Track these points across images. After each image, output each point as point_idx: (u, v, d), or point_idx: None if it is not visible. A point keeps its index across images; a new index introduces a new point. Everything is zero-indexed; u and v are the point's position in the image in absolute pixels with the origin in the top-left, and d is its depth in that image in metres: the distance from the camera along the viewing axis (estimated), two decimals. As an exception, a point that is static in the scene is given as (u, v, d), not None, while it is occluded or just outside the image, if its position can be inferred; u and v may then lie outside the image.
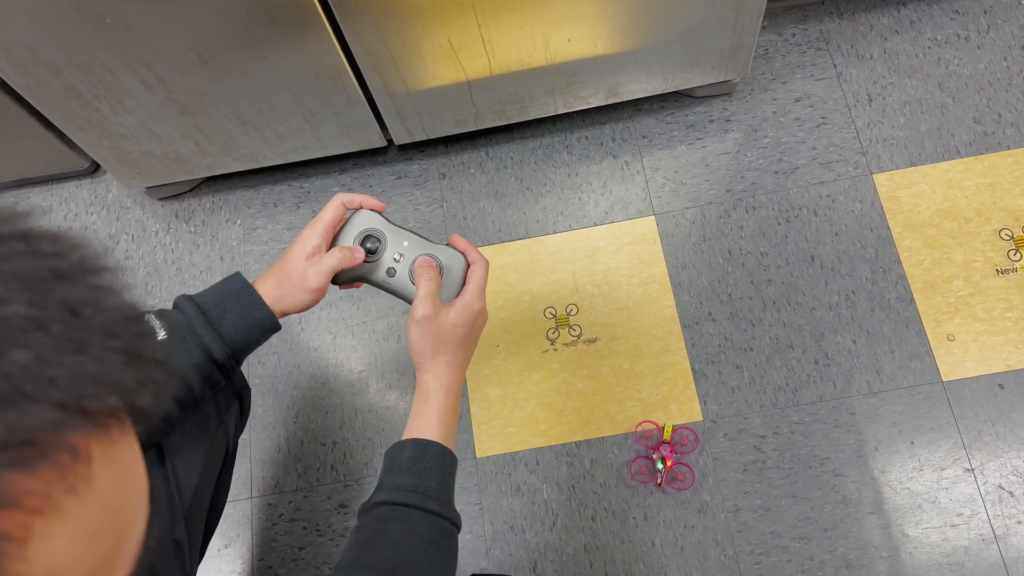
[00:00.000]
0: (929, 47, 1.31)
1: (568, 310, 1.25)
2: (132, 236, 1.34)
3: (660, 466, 1.08)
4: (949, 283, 1.17)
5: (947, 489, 1.09)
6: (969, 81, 1.28)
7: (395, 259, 0.79)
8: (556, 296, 1.26)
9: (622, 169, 1.31)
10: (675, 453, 1.09)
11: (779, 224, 1.24)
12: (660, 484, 1.09)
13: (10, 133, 1.19)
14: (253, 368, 1.24)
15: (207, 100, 1.10)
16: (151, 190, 1.34)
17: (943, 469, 1.10)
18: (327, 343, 1.25)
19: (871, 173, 1.24)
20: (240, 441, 0.89)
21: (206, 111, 1.12)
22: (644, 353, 1.21)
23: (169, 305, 0.81)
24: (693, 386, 1.18)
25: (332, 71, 1.07)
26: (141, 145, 1.16)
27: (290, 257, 0.75)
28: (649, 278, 1.25)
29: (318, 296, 0.75)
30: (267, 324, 0.73)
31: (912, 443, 1.11)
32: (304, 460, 1.19)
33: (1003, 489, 1.08)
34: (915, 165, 1.24)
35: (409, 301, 0.79)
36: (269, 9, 0.95)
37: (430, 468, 0.71)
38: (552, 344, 1.23)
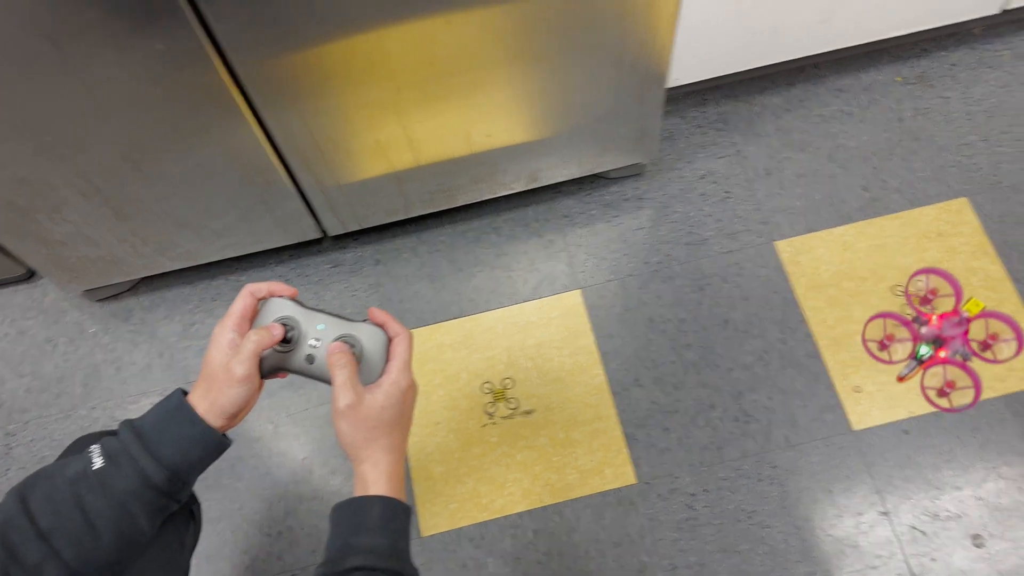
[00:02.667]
0: (817, 123, 1.44)
1: (504, 384, 1.30)
2: (70, 339, 1.36)
3: (925, 350, 0.88)
4: (852, 338, 1.27)
5: (865, 533, 1.16)
6: (855, 152, 1.41)
7: (312, 345, 0.75)
8: (492, 371, 1.31)
9: (547, 247, 1.39)
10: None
11: (693, 292, 1.33)
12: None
13: (-56, 244, 1.21)
14: (196, 462, 1.26)
15: (143, 204, 1.14)
16: (88, 292, 1.36)
17: (860, 514, 1.17)
18: (268, 433, 1.27)
19: (773, 241, 1.35)
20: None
21: (142, 215, 1.16)
22: (578, 421, 1.27)
23: (112, 412, 0.81)
24: (626, 450, 1.24)
25: (264, 170, 1.13)
26: (78, 251, 1.19)
27: (209, 359, 0.72)
28: (579, 349, 1.32)
29: (249, 386, 0.71)
30: (207, 440, 0.70)
31: (830, 491, 1.18)
32: (250, 552, 1.20)
33: (916, 529, 1.16)
34: (812, 231, 1.35)
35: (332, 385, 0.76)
36: (200, 117, 1.01)
37: (401, 527, 0.70)
38: (491, 418, 1.28)
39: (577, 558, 1.17)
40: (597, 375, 1.29)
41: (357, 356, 0.74)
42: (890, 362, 0.67)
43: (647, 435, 1.24)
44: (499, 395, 1.29)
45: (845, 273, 1.31)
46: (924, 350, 0.82)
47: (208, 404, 0.70)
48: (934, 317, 0.76)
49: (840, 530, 1.16)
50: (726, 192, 1.39)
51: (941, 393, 0.72)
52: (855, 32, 1.33)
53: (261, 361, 0.73)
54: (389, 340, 0.76)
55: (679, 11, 1.17)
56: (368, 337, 0.75)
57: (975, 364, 0.68)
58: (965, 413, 1.21)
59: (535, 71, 1.08)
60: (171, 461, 0.68)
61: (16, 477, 1.27)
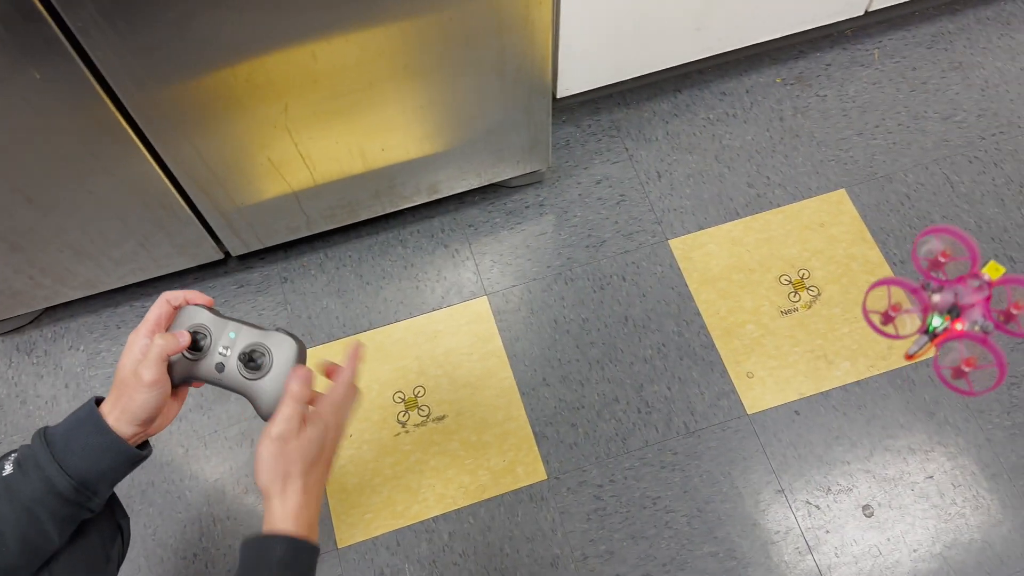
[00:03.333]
0: (704, 126, 1.51)
1: (416, 392, 1.33)
2: (-30, 374, 1.34)
3: (937, 323, 0.68)
4: (743, 327, 1.33)
5: (764, 511, 1.22)
6: (740, 152, 1.48)
7: (221, 353, 0.75)
8: (403, 381, 1.34)
9: (453, 256, 1.43)
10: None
11: (594, 292, 1.38)
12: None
13: None
14: (107, 491, 1.25)
15: (37, 235, 1.14)
16: (-12, 326, 1.35)
17: (758, 493, 1.23)
18: (180, 456, 1.28)
19: (667, 239, 1.41)
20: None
21: (37, 246, 1.15)
22: (489, 423, 1.30)
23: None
24: (536, 448, 1.28)
25: (159, 196, 1.14)
26: (-28, 284, 1.18)
27: (121, 365, 0.72)
28: (487, 353, 1.35)
29: (158, 391, 0.70)
30: (116, 449, 0.69)
31: (729, 473, 1.24)
32: (166, 576, 1.20)
33: (810, 504, 1.22)
34: (703, 228, 1.41)
35: (242, 394, 0.76)
36: (88, 146, 1.02)
37: (304, 570, 0.69)
38: (403, 427, 1.30)
39: (492, 556, 1.20)
40: (506, 377, 1.33)
41: (263, 365, 0.74)
42: (896, 336, 0.58)
43: (555, 432, 1.28)
44: (411, 404, 1.32)
45: (734, 266, 1.38)
46: (937, 322, 0.68)
47: (120, 411, 0.70)
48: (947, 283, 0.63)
49: (740, 509, 1.22)
50: (621, 195, 1.45)
51: (958, 373, 0.60)
52: (731, 38, 1.40)
53: (171, 368, 0.73)
54: (299, 352, 0.76)
55: (556, 26, 1.22)
56: (278, 346, 0.75)
57: (996, 338, 0.56)
58: (851, 391, 1.29)
59: (421, 87, 1.12)
60: (78, 470, 0.68)
61: (-81, 520, 1.24)
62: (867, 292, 0.65)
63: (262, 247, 1.34)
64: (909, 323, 0.65)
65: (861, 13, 1.46)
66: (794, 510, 1.22)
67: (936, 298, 0.64)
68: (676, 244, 1.41)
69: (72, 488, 0.67)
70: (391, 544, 1.22)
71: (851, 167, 1.46)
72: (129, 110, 0.99)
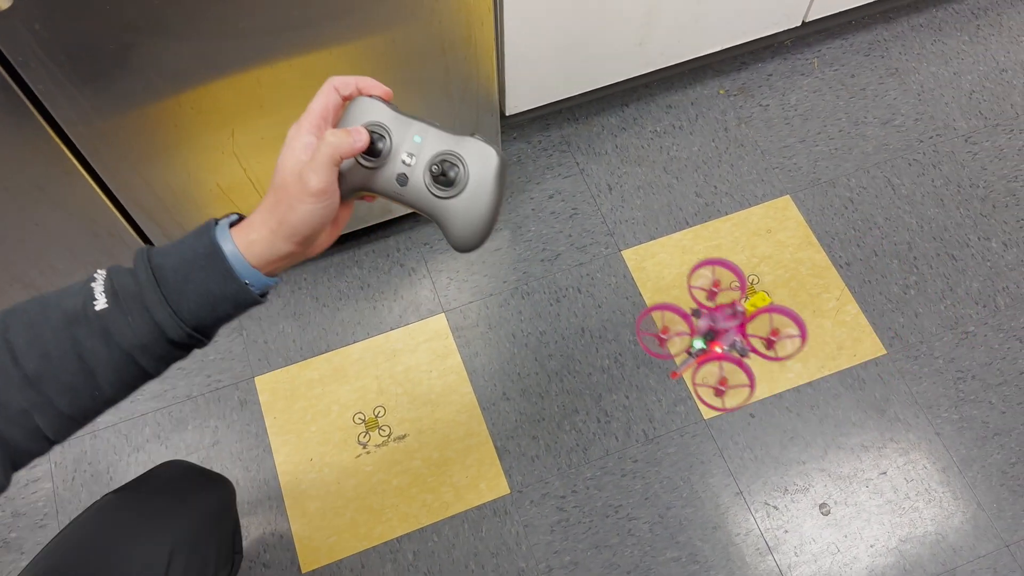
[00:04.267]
0: (651, 138, 1.54)
1: (376, 412, 1.33)
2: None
3: (700, 344, 0.78)
4: (697, 334, 1.36)
5: (724, 514, 1.24)
6: (687, 162, 1.51)
7: (405, 161, 0.60)
8: (363, 401, 1.34)
9: (410, 275, 1.44)
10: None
11: (551, 304, 1.39)
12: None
13: None
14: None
15: (-16, 270, 1.12)
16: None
17: (718, 497, 1.25)
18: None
19: (620, 250, 1.43)
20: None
21: (-15, 281, 1.14)
22: (451, 440, 1.31)
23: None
24: (498, 463, 1.28)
25: (107, 225, 1.13)
26: (-83, 322, 1.16)
27: (281, 166, 0.58)
28: (447, 370, 1.36)
29: (326, 202, 0.57)
30: (240, 299, 0.58)
31: (689, 478, 1.26)
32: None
33: (768, 505, 1.24)
34: (654, 239, 1.44)
35: (428, 215, 0.62)
36: (31, 176, 1.01)
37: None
38: (364, 448, 1.30)
39: (457, 573, 1.20)
40: (466, 393, 1.34)
41: (458, 180, 0.60)
42: (668, 356, 0.64)
43: (517, 445, 1.29)
44: (371, 424, 1.32)
45: (686, 274, 1.40)
46: (697, 344, 0.73)
47: (276, 222, 0.57)
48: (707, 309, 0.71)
49: (701, 514, 1.24)
50: (574, 209, 1.47)
51: (716, 392, 0.68)
52: (673, 52, 1.44)
53: (341, 176, 0.59)
54: (502, 167, 0.61)
55: (501, 44, 1.24)
56: (475, 157, 0.60)
57: (756, 362, 0.63)
58: (804, 392, 1.32)
59: (368, 108, 1.13)
60: (194, 316, 0.57)
61: None
62: (639, 317, 0.67)
63: (216, 273, 1.33)
64: (678, 343, 0.68)
65: (799, 24, 1.50)
66: (753, 512, 1.24)
67: (699, 323, 0.68)
68: (629, 255, 1.43)
69: (186, 335, 0.57)
70: (355, 566, 1.21)
71: (795, 174, 1.50)
72: (74, 141, 0.99)
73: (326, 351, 1.37)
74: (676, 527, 1.23)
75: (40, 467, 1.27)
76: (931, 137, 1.54)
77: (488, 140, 0.61)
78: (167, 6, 0.88)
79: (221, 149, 1.08)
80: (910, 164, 1.51)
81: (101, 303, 0.55)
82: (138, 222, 1.15)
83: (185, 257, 0.57)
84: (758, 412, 1.30)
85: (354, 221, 1.35)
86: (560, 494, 1.25)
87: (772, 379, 1.32)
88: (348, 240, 1.46)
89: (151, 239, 1.19)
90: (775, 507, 1.24)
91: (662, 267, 1.41)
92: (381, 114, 0.60)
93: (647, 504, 1.24)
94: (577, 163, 1.52)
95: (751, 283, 0.85)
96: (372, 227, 1.44)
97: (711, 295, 0.65)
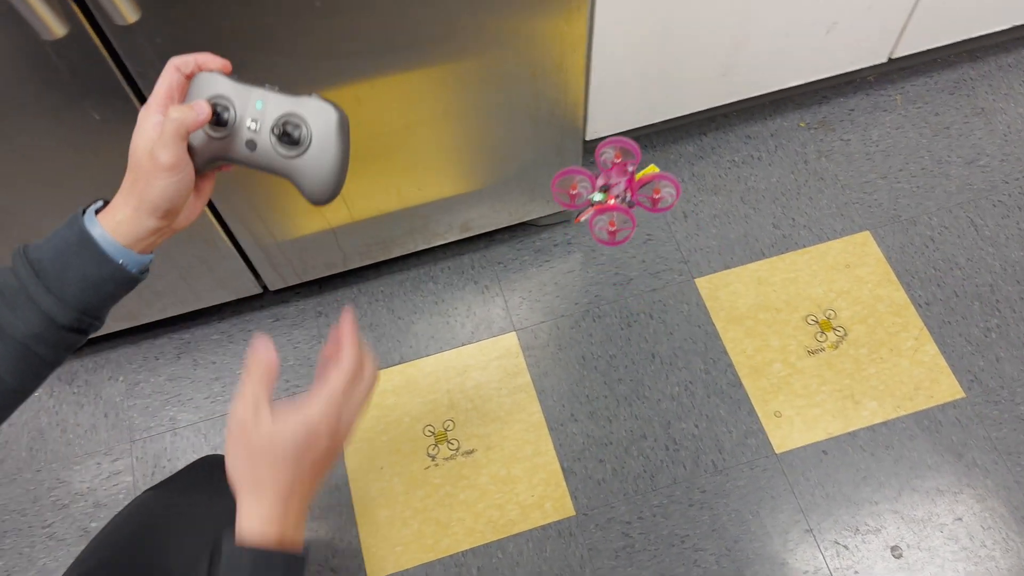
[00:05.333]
0: (729, 168, 1.54)
1: (446, 426, 1.35)
2: (13, 402, 1.37)
3: (599, 197, 0.89)
4: (770, 366, 1.35)
5: (792, 551, 1.22)
6: (765, 193, 1.51)
7: (250, 127, 0.62)
8: (433, 414, 1.36)
9: (483, 292, 1.46)
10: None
11: (622, 329, 1.40)
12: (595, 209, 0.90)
13: None
14: None
15: (85, 267, 1.18)
16: (31, 355, 1.38)
17: (786, 532, 1.23)
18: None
19: (693, 278, 1.43)
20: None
21: (85, 277, 1.19)
22: (518, 458, 1.32)
23: None
24: (564, 484, 1.29)
25: (203, 231, 1.18)
26: (21, 314, 1.22)
27: (134, 148, 0.60)
28: (516, 388, 1.38)
29: (179, 175, 0.59)
30: (118, 278, 0.61)
31: (758, 512, 1.25)
32: None
33: (839, 544, 1.22)
34: (729, 268, 1.43)
35: (281, 175, 0.64)
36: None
37: None
38: (433, 460, 1.32)
39: (520, 592, 1.21)
40: (534, 412, 1.35)
41: (302, 139, 0.62)
42: (573, 207, 0.83)
43: (584, 468, 1.29)
44: (440, 437, 1.34)
45: (761, 305, 1.40)
46: (598, 196, 0.88)
47: (137, 200, 0.60)
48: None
49: (769, 549, 1.22)
50: (648, 234, 1.48)
51: (609, 233, 0.86)
52: (756, 84, 1.44)
53: (193, 150, 0.62)
54: (343, 120, 0.63)
55: (588, 72, 1.27)
56: (315, 115, 0.62)
57: (641, 214, 0.84)
58: (879, 431, 1.29)
59: (458, 128, 1.16)
60: (78, 300, 0.60)
61: (-41, 545, 1.27)
62: (555, 179, 0.85)
63: (299, 282, 1.37)
64: (584, 196, 0.86)
65: (884, 60, 1.49)
66: (822, 550, 1.22)
67: (599, 181, 0.86)
68: (702, 283, 1.43)
69: (75, 319, 0.60)
70: (420, 577, 1.23)
71: (875, 210, 1.49)
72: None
73: (399, 363, 1.40)
74: (743, 561, 1.21)
75: (122, 460, 1.32)
76: (1017, 179, 1.51)
77: (326, 98, 0.63)
78: (281, 25, 0.92)
79: (317, 162, 1.12)
80: (995, 205, 1.48)
81: None
82: (232, 228, 1.19)
83: (59, 248, 0.60)
84: (831, 449, 1.28)
85: (430, 237, 1.38)
86: (626, 519, 1.25)
87: (846, 417, 1.31)
88: (424, 256, 1.49)
89: (242, 245, 1.23)
90: (845, 547, 1.22)
91: (736, 297, 1.41)
92: (222, 86, 0.63)
93: (714, 536, 1.23)
94: (654, 190, 1.52)
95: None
96: (448, 244, 1.47)
97: (614, 166, 0.83)
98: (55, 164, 0.99)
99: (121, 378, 1.39)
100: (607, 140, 0.88)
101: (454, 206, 1.32)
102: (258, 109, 0.62)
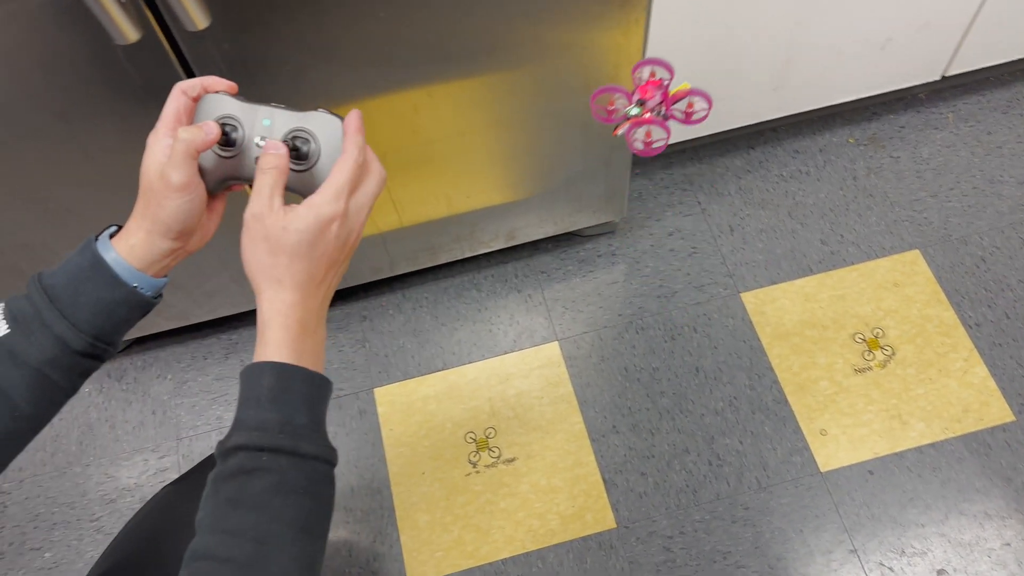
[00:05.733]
0: (777, 182, 1.53)
1: (487, 433, 1.35)
2: (65, 397, 1.40)
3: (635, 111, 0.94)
4: (816, 384, 1.34)
5: (836, 571, 1.20)
6: (813, 209, 1.50)
7: (259, 145, 0.63)
8: (475, 421, 1.36)
9: (526, 301, 1.46)
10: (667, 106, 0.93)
11: (665, 342, 1.39)
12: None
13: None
14: None
15: (141, 267, 1.20)
16: (83, 351, 1.41)
17: (830, 552, 1.22)
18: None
19: (739, 292, 1.42)
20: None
21: (140, 276, 1.22)
22: (559, 468, 1.32)
23: None
24: (605, 495, 1.28)
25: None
26: (77, 311, 1.25)
27: (144, 171, 0.61)
28: (558, 398, 1.38)
29: (191, 195, 0.60)
30: (132, 302, 0.61)
31: (801, 531, 1.23)
32: None
33: (884, 566, 1.21)
34: (775, 283, 1.43)
35: (291, 190, 0.64)
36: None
37: (295, 399, 0.58)
38: (474, 467, 1.33)
39: (560, 602, 1.21)
40: (576, 423, 1.35)
41: (311, 154, 0.63)
42: (611, 120, 0.87)
43: (625, 480, 1.29)
44: (482, 444, 1.34)
45: (808, 322, 1.39)
46: (634, 110, 0.92)
47: (151, 223, 0.60)
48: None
49: (812, 568, 1.21)
50: (693, 247, 1.47)
51: (645, 144, 0.90)
52: (807, 99, 1.43)
53: (203, 171, 0.63)
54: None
55: (642, 82, 1.26)
56: (322, 129, 0.63)
57: (675, 126, 0.89)
58: (926, 453, 1.28)
59: (509, 137, 1.17)
60: (92, 326, 0.60)
61: (11, 535, 1.29)
62: (594, 96, 0.89)
63: (345, 287, 1.39)
64: (621, 111, 0.90)
65: (937, 78, 1.48)
66: (867, 571, 1.20)
67: (635, 97, 0.90)
68: (748, 298, 1.42)
69: (88, 344, 0.60)
70: (459, 584, 1.23)
71: (925, 228, 1.47)
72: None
73: (442, 369, 1.40)
74: (785, 579, 1.20)
75: (169, 458, 1.34)
76: (1072, 199, 1.48)
77: (331, 111, 0.64)
78: (344, 34, 0.93)
79: (371, 169, 1.13)
80: (1048, 226, 1.46)
81: (2, 329, 0.58)
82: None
83: (72, 273, 0.60)
84: (877, 469, 1.27)
85: (476, 245, 1.39)
86: (667, 534, 1.24)
87: (893, 437, 1.29)
88: (468, 264, 1.50)
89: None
90: (890, 568, 1.20)
91: (783, 313, 1.40)
92: (229, 107, 0.64)
93: (757, 553, 1.22)
94: (699, 202, 1.52)
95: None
96: (492, 252, 1.48)
97: (648, 83, 0.87)
98: (119, 166, 1.02)
99: (169, 376, 1.42)
100: (643, 61, 0.92)
101: (501, 214, 1.33)
102: (266, 126, 0.63)
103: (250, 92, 0.69)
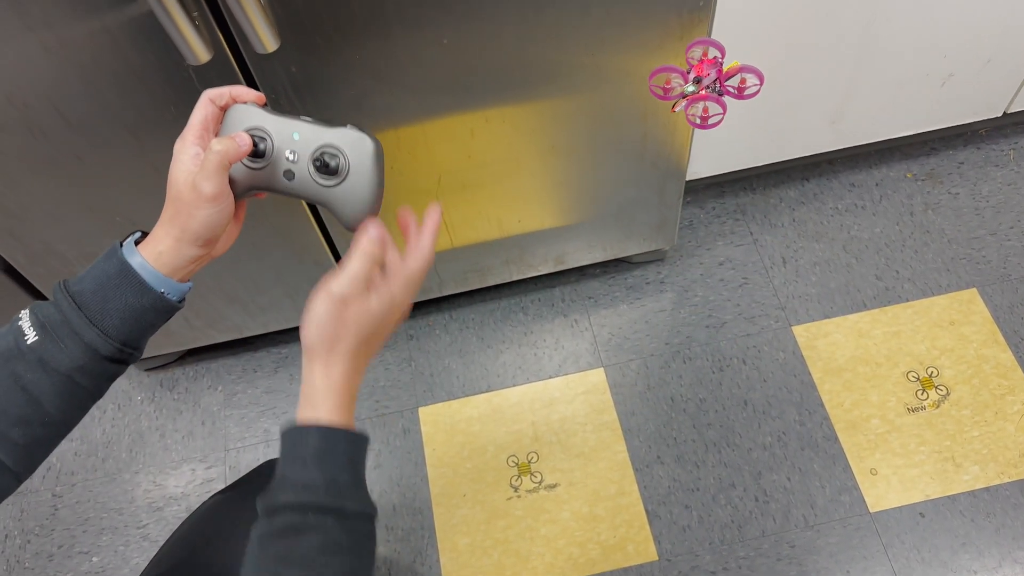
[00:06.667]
0: (832, 215, 1.51)
1: (529, 458, 1.35)
2: (119, 405, 1.43)
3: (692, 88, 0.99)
4: (867, 422, 1.31)
5: (884, 615, 1.17)
6: (869, 243, 1.48)
7: (289, 158, 0.64)
8: (518, 445, 1.36)
9: (572, 326, 1.46)
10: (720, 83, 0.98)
11: (713, 373, 1.38)
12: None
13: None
14: None
15: (198, 280, 1.22)
16: (139, 361, 1.44)
17: (879, 596, 1.19)
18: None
19: (790, 325, 1.40)
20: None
21: (195, 290, 1.24)
22: (601, 496, 1.31)
23: None
24: (647, 527, 1.27)
25: (312, 250, 1.21)
26: (135, 321, 1.28)
27: (173, 179, 0.62)
28: (602, 425, 1.37)
29: (221, 205, 0.61)
30: (159, 307, 0.62)
31: (848, 572, 1.20)
32: None
33: (935, 613, 1.17)
34: (828, 317, 1.40)
35: (319, 203, 0.66)
36: (259, 201, 1.10)
37: (340, 459, 0.60)
38: (516, 491, 1.32)
39: (598, 633, 1.19)
40: (620, 451, 1.34)
41: (340, 169, 0.64)
42: (669, 98, 0.95)
43: (668, 512, 1.27)
44: (524, 469, 1.34)
45: (861, 359, 1.36)
46: (690, 88, 0.96)
47: (179, 231, 0.62)
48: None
49: (859, 612, 1.18)
50: (744, 278, 1.46)
51: (702, 119, 0.91)
52: (864, 132, 1.41)
53: (233, 179, 0.64)
54: (377, 152, 0.65)
55: (698, 112, 1.26)
56: (352, 146, 0.64)
57: (730, 102, 0.93)
58: (980, 497, 1.24)
59: (563, 163, 1.17)
60: (120, 332, 0.61)
61: (60, 538, 1.32)
62: (651, 76, 0.96)
63: (395, 305, 1.40)
64: (677, 90, 0.95)
65: (999, 114, 1.45)
66: (917, 618, 1.17)
67: (691, 76, 0.95)
68: (800, 331, 1.40)
69: (117, 350, 0.61)
70: (498, 609, 1.23)
71: (984, 267, 1.44)
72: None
73: (486, 391, 1.41)
74: (831, 622, 1.17)
75: (216, 468, 1.36)
76: None
77: (361, 127, 0.65)
78: (409, 59, 0.95)
79: (427, 193, 1.14)
80: (1114, 268, 1.42)
81: (32, 337, 0.59)
82: (339, 251, 1.23)
83: (99, 280, 0.61)
84: (929, 512, 1.23)
85: (525, 268, 1.39)
86: (711, 569, 1.22)
87: (946, 479, 1.26)
88: (515, 287, 1.50)
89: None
90: (942, 617, 1.17)
91: (835, 348, 1.38)
92: (259, 118, 0.65)
93: (802, 593, 1.19)
94: (751, 233, 1.51)
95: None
96: (539, 276, 1.48)
97: (701, 62, 0.95)
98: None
99: (220, 388, 1.44)
100: (695, 41, 0.97)
101: (551, 239, 1.33)
102: (296, 140, 0.64)
103: (317, 113, 0.71)
